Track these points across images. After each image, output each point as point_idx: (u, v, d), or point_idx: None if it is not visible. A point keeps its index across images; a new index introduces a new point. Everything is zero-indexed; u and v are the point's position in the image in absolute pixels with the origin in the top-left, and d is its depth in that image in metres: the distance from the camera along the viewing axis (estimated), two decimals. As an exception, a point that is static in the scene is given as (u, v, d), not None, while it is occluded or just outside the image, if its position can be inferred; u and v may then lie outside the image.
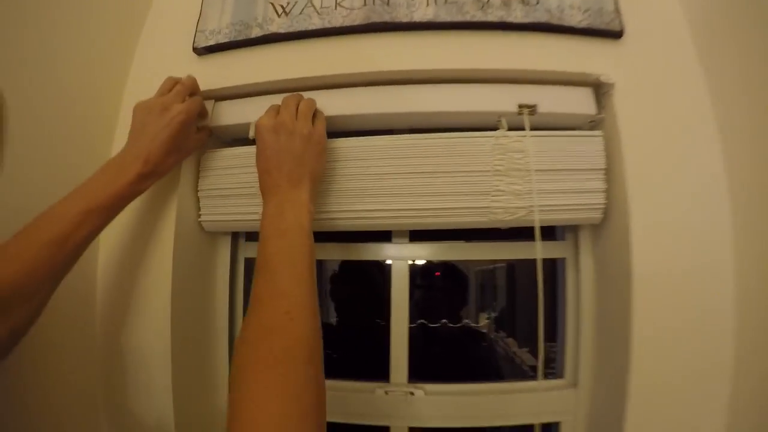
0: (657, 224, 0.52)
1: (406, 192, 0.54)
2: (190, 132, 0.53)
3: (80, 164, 0.52)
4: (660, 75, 0.58)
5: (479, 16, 0.56)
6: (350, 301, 0.90)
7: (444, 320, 0.84)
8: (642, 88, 0.57)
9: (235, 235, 0.69)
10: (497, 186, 0.53)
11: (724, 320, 0.51)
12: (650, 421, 0.51)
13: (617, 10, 0.58)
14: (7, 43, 0.48)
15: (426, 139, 0.55)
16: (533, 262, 0.54)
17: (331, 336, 0.66)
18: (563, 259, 0.64)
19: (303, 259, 0.41)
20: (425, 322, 0.80)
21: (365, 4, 0.57)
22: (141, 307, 0.57)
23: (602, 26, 0.57)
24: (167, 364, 0.55)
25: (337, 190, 0.56)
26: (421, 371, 0.65)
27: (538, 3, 0.57)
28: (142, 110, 0.51)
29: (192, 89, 0.55)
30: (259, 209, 0.48)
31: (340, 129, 0.59)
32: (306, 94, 0.55)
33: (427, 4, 0.56)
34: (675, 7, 0.60)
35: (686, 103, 0.56)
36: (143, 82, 0.61)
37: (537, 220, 0.53)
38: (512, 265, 1.09)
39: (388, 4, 0.57)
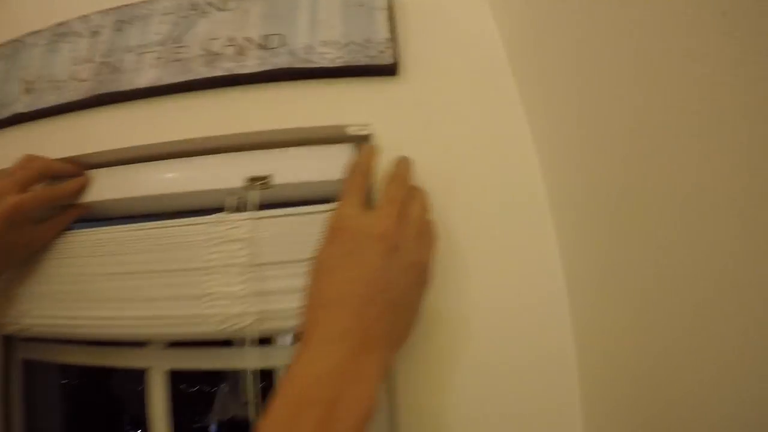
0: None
1: (114, 296, 0.42)
2: (24, 228, 0.41)
3: None
4: (455, 116, 0.43)
5: (204, 72, 0.45)
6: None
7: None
8: (424, 135, 0.42)
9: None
10: (209, 288, 0.39)
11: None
12: None
13: (391, 39, 0.44)
14: None
15: (135, 231, 0.43)
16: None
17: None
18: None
19: None
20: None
21: (96, 74, 0.49)
22: None
23: (365, 62, 0.43)
24: None
25: (33, 293, 0.45)
26: None
27: (282, 45, 0.45)
28: None
29: (48, 173, 0.44)
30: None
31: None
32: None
33: (153, 66, 0.47)
34: (481, 29, 0.46)
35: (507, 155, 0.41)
36: None
37: (253, 333, 0.38)
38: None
39: (115, 70, 0.49)
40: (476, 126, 0.42)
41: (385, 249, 0.29)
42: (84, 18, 0.54)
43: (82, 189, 0.45)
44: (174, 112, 0.45)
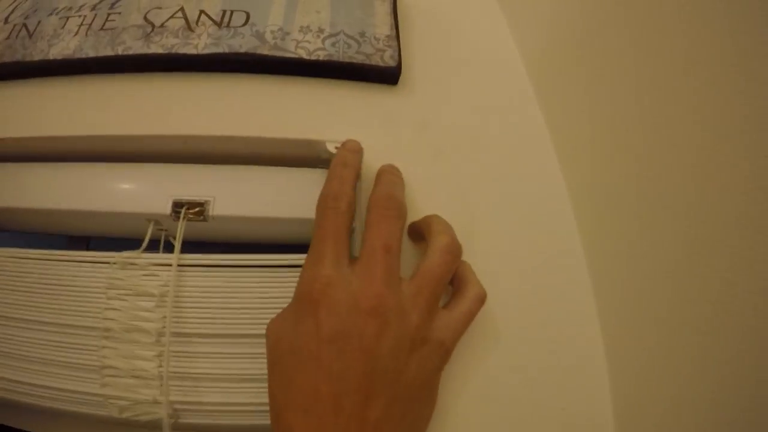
0: None
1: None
2: None
3: None
4: (467, 142, 0.31)
5: (137, 48, 0.33)
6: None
7: None
8: (430, 167, 0.30)
9: None
10: (108, 360, 0.27)
11: None
12: None
13: (394, 37, 0.33)
14: None
15: (6, 257, 0.30)
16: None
17: None
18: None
19: None
20: None
21: (6, 38, 0.38)
22: None
23: (359, 60, 0.32)
24: None
25: None
26: None
27: (247, 24, 0.33)
28: None
29: None
30: None
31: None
32: None
33: (74, 34, 0.35)
34: (497, 39, 0.34)
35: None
36: None
37: (167, 427, 0.25)
38: None
39: (30, 36, 0.37)
40: (497, 157, 0.30)
41: (382, 325, 0.20)
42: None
43: None
44: (92, 97, 0.33)
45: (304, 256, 0.22)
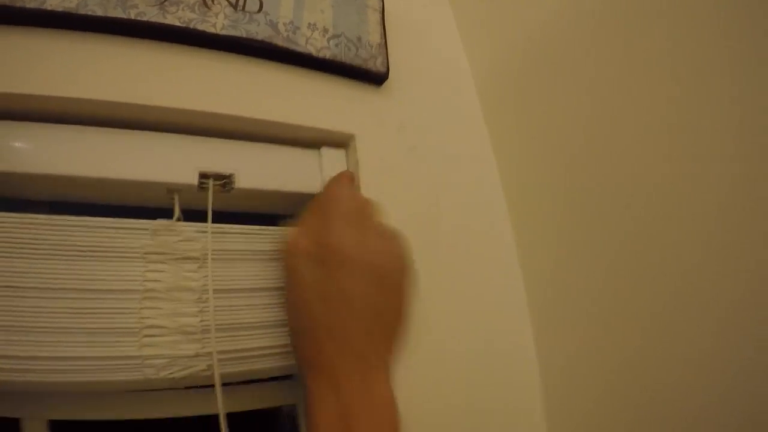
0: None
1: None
2: None
3: None
4: (434, 141, 0.42)
5: (154, 15, 0.35)
6: None
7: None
8: (405, 158, 0.40)
9: None
10: (150, 320, 0.30)
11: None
12: None
13: (383, 45, 0.41)
14: None
15: (39, 224, 0.29)
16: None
17: None
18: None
19: None
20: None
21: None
22: None
23: (357, 62, 0.39)
24: None
25: None
26: None
27: (260, 11, 0.38)
28: None
29: None
30: None
31: None
32: None
33: (64, -13, 0.35)
34: (456, 56, 0.45)
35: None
36: None
37: (217, 375, 0.30)
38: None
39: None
40: (450, 156, 0.42)
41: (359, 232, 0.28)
42: None
43: None
44: (96, 59, 0.34)
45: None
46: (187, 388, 0.35)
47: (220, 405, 0.28)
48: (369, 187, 0.36)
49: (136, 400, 0.34)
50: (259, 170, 0.36)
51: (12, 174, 0.31)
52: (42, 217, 0.30)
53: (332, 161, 0.38)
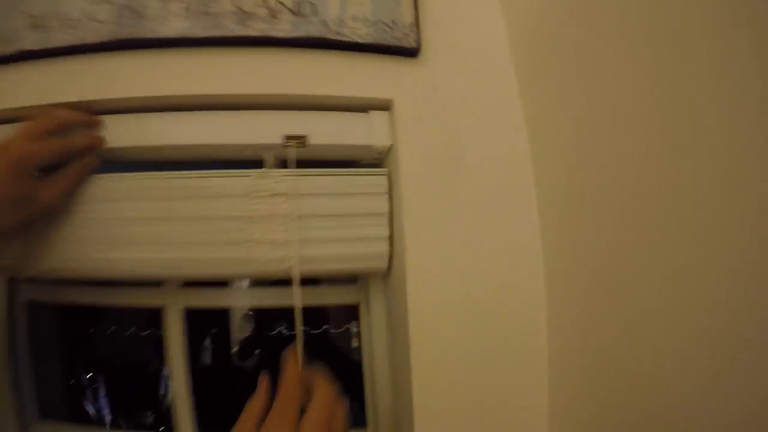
0: (432, 270, 0.44)
1: (159, 240, 0.45)
2: (33, 180, 0.40)
3: None
4: (464, 101, 0.49)
5: (237, 31, 0.47)
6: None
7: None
8: (437, 117, 0.48)
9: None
10: (253, 236, 0.45)
11: (495, 351, 0.45)
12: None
13: (415, 24, 0.49)
14: None
15: (179, 178, 0.45)
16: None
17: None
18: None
19: None
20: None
21: (117, 16, 0.49)
22: None
23: (393, 42, 0.48)
24: None
25: (78, 236, 0.47)
26: None
27: (314, 14, 0.48)
28: None
29: (61, 124, 0.43)
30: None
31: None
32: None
33: (180, 15, 0.48)
34: (491, 25, 0.51)
35: (499, 136, 0.48)
36: None
37: (297, 274, 0.44)
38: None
39: (139, 16, 0.49)
40: (477, 112, 0.49)
41: None
42: (94, -49, 0.52)
43: (95, 143, 0.46)
44: (204, 65, 0.47)
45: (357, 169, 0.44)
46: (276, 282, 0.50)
47: (297, 297, 0.40)
48: (404, 137, 0.47)
49: (242, 294, 0.51)
50: (324, 131, 0.47)
51: (161, 146, 0.47)
52: (179, 173, 0.45)
53: (378, 120, 0.48)
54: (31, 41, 0.50)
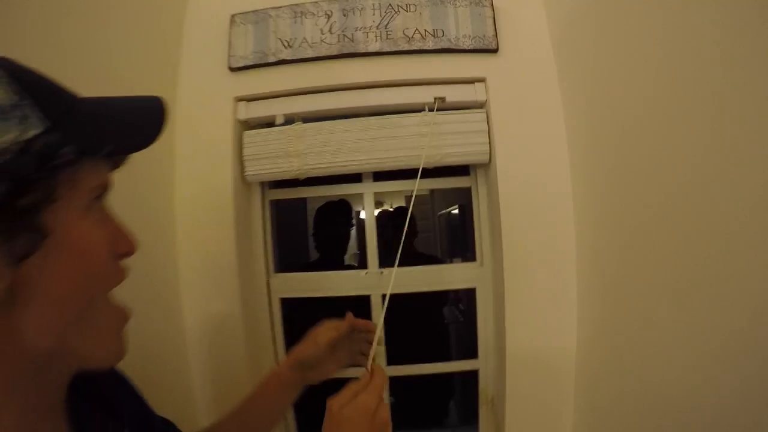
0: (515, 168, 0.91)
1: (367, 149, 0.93)
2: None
3: (139, 173, 0.85)
4: (523, 76, 0.95)
5: (406, 47, 0.92)
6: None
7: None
8: (509, 84, 0.94)
9: (262, 184, 1.06)
10: (421, 143, 0.91)
11: (564, 223, 0.90)
12: (518, 289, 0.90)
13: (495, 35, 0.94)
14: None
15: (381, 120, 0.93)
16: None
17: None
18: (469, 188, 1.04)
19: None
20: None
21: (338, 41, 0.93)
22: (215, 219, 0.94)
23: (484, 46, 0.93)
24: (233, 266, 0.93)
25: (327, 151, 0.94)
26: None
27: (443, 35, 0.93)
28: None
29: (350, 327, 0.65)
30: (278, 166, 0.88)
31: (323, 117, 0.97)
32: (300, 98, 0.94)
33: (376, 40, 0.92)
34: (540, 30, 0.97)
35: (542, 97, 0.94)
36: (191, 91, 0.97)
37: (435, 161, 0.90)
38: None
39: (352, 40, 0.93)
40: (531, 79, 0.95)
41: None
42: (314, 3, 0.96)
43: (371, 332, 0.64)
44: (389, 66, 0.93)
45: (470, 110, 0.89)
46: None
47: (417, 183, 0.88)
48: (493, 94, 0.92)
49: (405, 183, 0.94)
50: (453, 94, 0.93)
51: (367, 107, 0.96)
52: (367, 120, 0.92)
53: (479, 87, 0.95)
54: (286, 54, 0.95)
